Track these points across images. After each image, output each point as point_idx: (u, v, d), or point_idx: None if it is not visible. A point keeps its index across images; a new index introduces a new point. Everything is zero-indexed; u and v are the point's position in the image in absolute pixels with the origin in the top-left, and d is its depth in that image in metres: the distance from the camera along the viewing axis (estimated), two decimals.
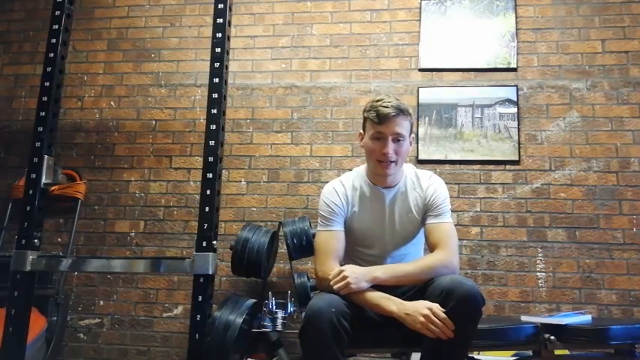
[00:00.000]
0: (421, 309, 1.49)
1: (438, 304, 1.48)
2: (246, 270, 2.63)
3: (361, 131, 1.82)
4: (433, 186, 1.80)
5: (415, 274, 1.63)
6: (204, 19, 3.38)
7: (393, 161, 1.72)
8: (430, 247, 1.73)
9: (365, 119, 1.78)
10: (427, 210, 1.78)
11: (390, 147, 1.70)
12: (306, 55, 3.28)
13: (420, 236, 1.86)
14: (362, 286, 1.59)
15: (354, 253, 1.83)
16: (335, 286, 1.59)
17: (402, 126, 1.72)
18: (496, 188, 2.96)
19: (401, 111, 1.71)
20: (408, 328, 1.51)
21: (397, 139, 1.72)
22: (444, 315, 1.46)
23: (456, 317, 1.46)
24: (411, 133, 1.78)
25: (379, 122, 1.71)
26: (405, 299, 1.65)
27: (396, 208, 1.80)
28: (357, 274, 1.60)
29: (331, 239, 1.75)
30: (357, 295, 1.60)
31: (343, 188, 1.83)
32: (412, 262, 1.71)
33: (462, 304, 1.46)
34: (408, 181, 1.82)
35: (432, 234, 1.73)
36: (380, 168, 1.75)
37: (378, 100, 1.74)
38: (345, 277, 1.58)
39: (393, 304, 1.56)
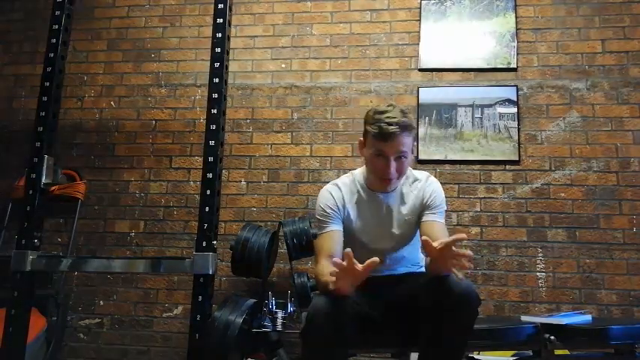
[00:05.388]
0: None
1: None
2: (246, 270, 2.64)
3: (361, 139, 1.73)
4: (431, 186, 1.79)
5: None
6: (204, 19, 3.38)
7: (395, 177, 1.68)
8: None
9: (366, 131, 1.68)
10: (425, 209, 1.76)
11: (393, 166, 1.65)
12: (306, 55, 3.28)
13: (417, 237, 1.85)
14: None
15: None
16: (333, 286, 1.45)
17: (405, 143, 1.63)
18: (496, 188, 2.96)
19: (405, 127, 1.61)
20: (408, 328, 1.49)
21: (400, 156, 1.65)
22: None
23: (452, 317, 1.44)
24: (413, 143, 1.72)
25: (382, 140, 1.62)
26: (399, 298, 1.64)
27: (394, 212, 1.78)
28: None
29: (326, 240, 1.71)
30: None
31: (340, 192, 1.78)
32: None
33: (458, 304, 1.44)
34: (405, 184, 1.80)
35: (432, 232, 1.69)
36: (380, 184, 1.72)
37: (381, 112, 1.63)
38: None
39: None
